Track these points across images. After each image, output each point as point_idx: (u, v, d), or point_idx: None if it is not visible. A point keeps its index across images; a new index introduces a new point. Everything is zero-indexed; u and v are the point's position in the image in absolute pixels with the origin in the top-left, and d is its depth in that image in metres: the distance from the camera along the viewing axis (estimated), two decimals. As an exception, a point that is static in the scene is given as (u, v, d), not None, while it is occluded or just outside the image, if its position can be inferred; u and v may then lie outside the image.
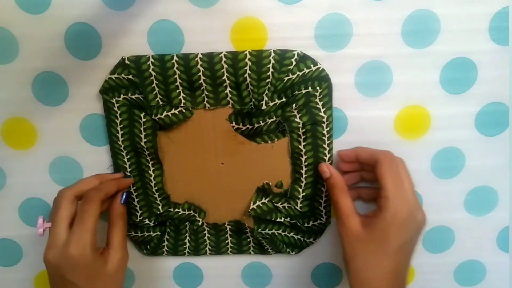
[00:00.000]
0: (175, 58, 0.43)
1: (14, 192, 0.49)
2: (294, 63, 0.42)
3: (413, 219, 0.39)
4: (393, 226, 0.38)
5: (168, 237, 0.50)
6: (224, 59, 0.42)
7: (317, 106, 0.43)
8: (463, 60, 0.43)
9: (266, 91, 0.43)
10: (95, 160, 0.47)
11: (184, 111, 0.44)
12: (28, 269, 0.52)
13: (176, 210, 0.48)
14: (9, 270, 0.52)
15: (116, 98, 0.44)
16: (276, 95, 0.44)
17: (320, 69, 0.43)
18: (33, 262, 0.52)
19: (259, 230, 0.48)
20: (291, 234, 0.49)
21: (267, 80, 0.42)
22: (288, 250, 0.49)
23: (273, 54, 0.42)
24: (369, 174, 0.45)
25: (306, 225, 0.48)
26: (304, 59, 0.42)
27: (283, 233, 0.49)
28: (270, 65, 0.42)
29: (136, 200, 0.48)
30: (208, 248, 0.50)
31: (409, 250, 0.41)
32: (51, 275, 0.40)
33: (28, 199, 0.49)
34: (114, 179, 0.45)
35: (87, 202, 0.41)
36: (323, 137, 0.44)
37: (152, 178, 0.47)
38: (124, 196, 0.45)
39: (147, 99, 0.44)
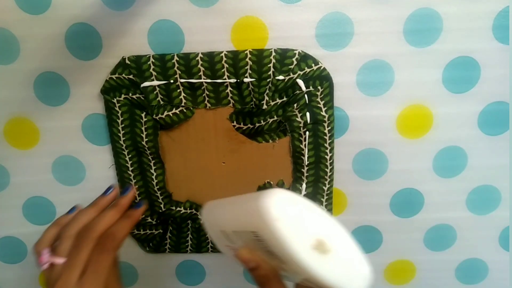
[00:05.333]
0: (176, 57, 0.42)
1: (18, 191, 0.49)
2: (295, 62, 0.42)
3: None
4: None
5: (170, 235, 0.50)
6: (224, 58, 0.42)
7: (319, 105, 0.43)
8: (466, 59, 0.42)
9: (267, 91, 0.43)
10: (97, 159, 0.47)
11: (185, 110, 0.44)
12: (33, 266, 0.52)
13: (178, 208, 0.48)
14: (14, 267, 0.53)
15: (117, 98, 0.44)
16: (277, 95, 0.43)
17: (322, 68, 0.43)
18: (38, 259, 0.52)
19: (261, 228, 0.48)
20: (293, 232, 0.49)
21: (268, 80, 0.42)
22: (289, 248, 0.49)
23: (274, 54, 0.42)
24: None
25: (307, 223, 0.48)
26: (305, 58, 0.42)
27: (284, 231, 0.49)
28: (271, 65, 0.42)
29: (138, 198, 0.48)
30: (210, 246, 0.50)
31: None
32: None
33: (31, 197, 0.49)
34: (118, 209, 0.40)
35: (103, 253, 0.37)
36: (325, 137, 0.44)
37: (153, 177, 0.47)
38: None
39: (148, 98, 0.44)
